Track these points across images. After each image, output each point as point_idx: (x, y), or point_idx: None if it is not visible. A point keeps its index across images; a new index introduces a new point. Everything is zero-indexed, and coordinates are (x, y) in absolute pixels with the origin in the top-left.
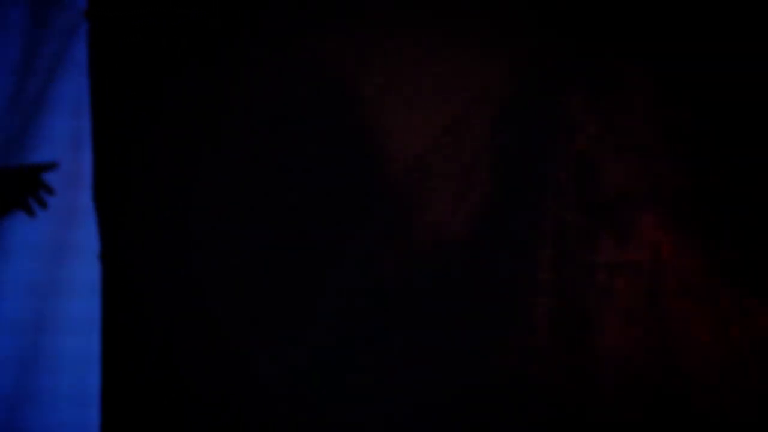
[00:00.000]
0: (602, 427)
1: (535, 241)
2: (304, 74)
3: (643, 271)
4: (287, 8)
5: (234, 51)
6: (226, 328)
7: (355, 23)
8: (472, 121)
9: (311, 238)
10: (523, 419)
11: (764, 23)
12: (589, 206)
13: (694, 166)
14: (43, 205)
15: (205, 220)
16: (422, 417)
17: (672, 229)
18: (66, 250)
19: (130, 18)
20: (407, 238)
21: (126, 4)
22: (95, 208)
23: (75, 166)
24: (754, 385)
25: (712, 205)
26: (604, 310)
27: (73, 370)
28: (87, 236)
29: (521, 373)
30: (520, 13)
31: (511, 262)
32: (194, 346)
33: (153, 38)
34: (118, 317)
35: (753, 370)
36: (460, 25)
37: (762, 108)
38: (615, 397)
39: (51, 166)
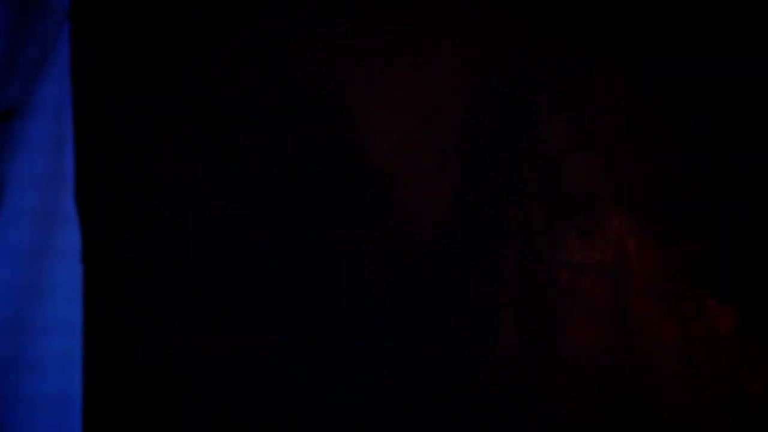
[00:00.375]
0: (565, 427)
1: (500, 240)
2: (293, 72)
3: (607, 271)
4: (278, 11)
5: (221, 52)
6: (208, 328)
7: (344, 24)
8: (443, 119)
9: (305, 229)
10: (486, 420)
11: (739, 23)
12: (555, 206)
13: (660, 166)
14: None
15: (191, 219)
16: (386, 416)
17: (637, 229)
18: (48, 253)
19: (113, 18)
20: (385, 227)
21: (109, 5)
22: (77, 210)
23: (57, 169)
24: (714, 385)
25: (677, 205)
26: (568, 309)
27: (55, 375)
28: (69, 240)
29: (484, 372)
30: (491, 12)
31: (477, 261)
32: (176, 348)
33: (136, 38)
34: (101, 320)
35: (712, 369)
36: (432, 25)
37: (735, 108)
38: (578, 397)
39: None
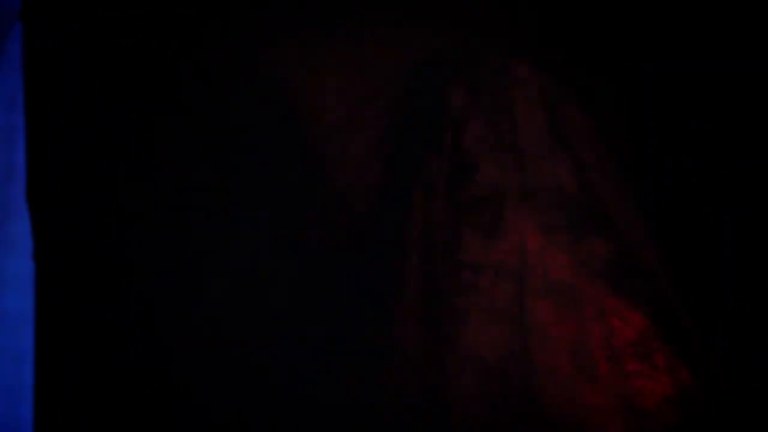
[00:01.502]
0: (462, 424)
1: (405, 237)
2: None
3: (508, 271)
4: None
5: (173, 52)
6: (163, 324)
7: (296, 29)
8: (367, 114)
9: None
10: (384, 419)
11: (650, 23)
12: (460, 205)
13: (570, 166)
14: None
15: (143, 217)
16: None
17: (541, 230)
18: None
19: (65, 17)
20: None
21: (61, 4)
22: (29, 207)
23: (8, 162)
24: (611, 387)
25: (580, 206)
26: (469, 309)
27: (7, 367)
28: (20, 234)
29: (384, 371)
30: (416, 15)
31: (384, 258)
32: (125, 348)
33: (86, 37)
34: (52, 317)
35: (610, 372)
36: (362, 29)
37: (658, 108)
38: (477, 398)
39: None
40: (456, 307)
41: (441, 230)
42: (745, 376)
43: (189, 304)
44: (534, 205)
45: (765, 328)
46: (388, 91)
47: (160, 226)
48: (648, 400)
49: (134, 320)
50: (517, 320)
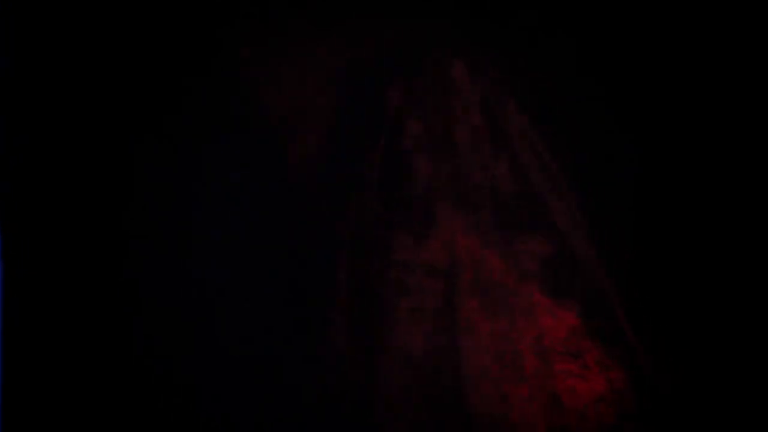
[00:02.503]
0: (390, 420)
1: (337, 235)
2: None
3: (438, 271)
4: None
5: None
6: (125, 326)
7: (259, 31)
8: (318, 108)
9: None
10: (315, 417)
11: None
12: (392, 204)
13: (509, 166)
14: None
15: (111, 218)
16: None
17: (473, 228)
18: None
19: (33, 18)
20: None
21: (29, 4)
22: None
23: None
24: (540, 386)
25: (517, 206)
26: (399, 307)
27: None
28: None
29: (317, 371)
30: (360, 18)
31: (316, 253)
32: (94, 347)
33: (53, 34)
34: (20, 316)
35: (539, 370)
36: (312, 32)
37: (586, 108)
38: (407, 397)
39: None
40: (386, 306)
41: (373, 229)
42: (679, 374)
43: (157, 299)
44: (468, 205)
45: (702, 327)
46: (334, 91)
47: (132, 219)
48: (578, 399)
49: (106, 316)
50: (446, 319)
